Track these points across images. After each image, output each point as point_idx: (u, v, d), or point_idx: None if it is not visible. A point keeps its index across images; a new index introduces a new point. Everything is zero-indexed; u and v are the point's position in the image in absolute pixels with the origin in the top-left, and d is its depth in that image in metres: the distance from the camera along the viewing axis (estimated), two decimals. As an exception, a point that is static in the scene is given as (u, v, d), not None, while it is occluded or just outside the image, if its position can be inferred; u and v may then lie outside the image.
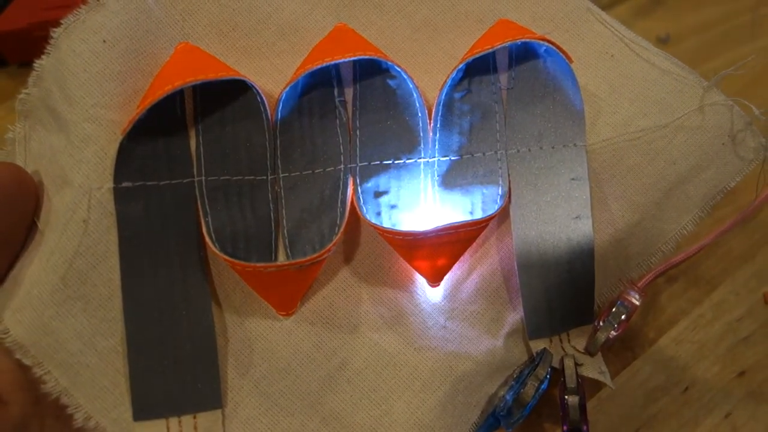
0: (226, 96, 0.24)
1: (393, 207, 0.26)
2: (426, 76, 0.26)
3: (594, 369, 0.28)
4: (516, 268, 0.26)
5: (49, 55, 0.23)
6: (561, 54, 0.25)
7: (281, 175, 0.25)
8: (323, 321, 0.25)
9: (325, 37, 0.25)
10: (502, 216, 0.26)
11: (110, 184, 0.22)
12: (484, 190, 0.26)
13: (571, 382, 0.27)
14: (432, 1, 0.27)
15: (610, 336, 0.28)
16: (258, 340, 0.25)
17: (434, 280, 0.26)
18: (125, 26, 0.23)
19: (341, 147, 0.25)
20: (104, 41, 0.23)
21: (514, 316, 0.27)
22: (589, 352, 0.28)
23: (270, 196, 0.25)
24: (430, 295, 0.26)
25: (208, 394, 0.23)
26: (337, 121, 0.25)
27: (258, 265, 0.23)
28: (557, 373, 0.28)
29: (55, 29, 0.23)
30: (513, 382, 0.27)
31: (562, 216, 0.26)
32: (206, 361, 0.23)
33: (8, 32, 0.41)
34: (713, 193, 0.27)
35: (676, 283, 0.35)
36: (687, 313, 0.35)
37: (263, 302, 0.25)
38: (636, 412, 0.32)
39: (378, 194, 0.25)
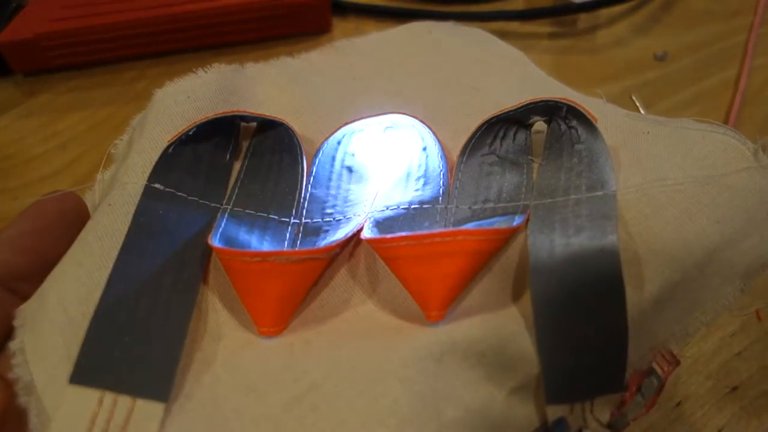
0: (274, 147, 0.27)
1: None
2: (447, 129, 0.28)
3: None
4: (534, 317, 0.23)
5: (145, 109, 0.28)
6: (585, 114, 0.25)
7: (304, 221, 0.25)
8: (302, 342, 0.23)
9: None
10: (522, 257, 0.24)
11: (144, 182, 0.24)
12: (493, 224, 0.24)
13: None
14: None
15: (635, 417, 0.25)
16: (230, 355, 0.23)
17: (436, 308, 0.23)
18: (210, 93, 0.27)
19: (365, 203, 0.26)
20: (188, 97, 0.27)
21: (526, 370, 0.23)
22: (614, 428, 0.25)
23: (288, 236, 0.25)
24: (428, 322, 0.23)
25: (157, 384, 0.21)
26: (367, 192, 0.27)
27: (245, 252, 0.23)
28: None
29: (156, 89, 0.28)
30: None
31: (589, 260, 0.23)
32: (168, 350, 0.22)
33: (15, 42, 0.42)
34: (757, 265, 0.24)
35: (670, 298, 0.36)
36: (681, 328, 0.35)
37: (249, 322, 0.23)
38: (629, 426, 0.32)
39: (388, 227, 0.25)
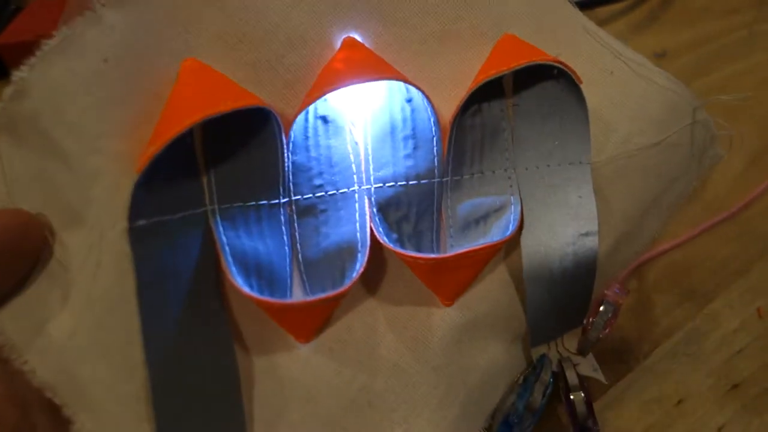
0: (236, 116, 0.22)
1: (409, 228, 0.26)
2: (434, 91, 0.25)
3: (588, 367, 0.29)
4: (525, 282, 0.26)
5: (36, 69, 0.21)
6: (570, 74, 0.25)
7: (293, 198, 0.24)
8: (342, 346, 0.25)
9: (336, 53, 0.24)
10: (510, 245, 0.27)
11: (124, 224, 0.20)
12: (497, 209, 0.26)
13: (572, 380, 0.28)
14: (437, 15, 0.26)
15: (600, 336, 0.30)
16: (278, 370, 0.24)
17: (450, 299, 0.26)
18: (126, 42, 0.21)
19: (353, 168, 0.25)
20: (106, 60, 0.21)
21: (516, 326, 0.28)
22: (581, 352, 0.30)
23: (283, 218, 0.24)
24: (446, 312, 0.26)
25: None
26: (349, 146, 0.25)
27: (285, 303, 0.23)
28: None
29: (47, 41, 0.21)
30: (520, 390, 0.28)
31: (571, 233, 0.26)
32: (231, 402, 0.23)
33: (15, 44, 0.42)
34: (681, 198, 0.29)
35: (670, 296, 0.36)
36: (681, 326, 0.35)
37: (281, 332, 0.24)
38: (630, 424, 0.32)
39: (394, 216, 0.25)
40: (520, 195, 0.26)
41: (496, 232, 0.26)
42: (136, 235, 0.20)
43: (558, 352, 0.30)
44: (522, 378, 0.28)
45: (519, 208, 0.26)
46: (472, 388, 0.26)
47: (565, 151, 0.26)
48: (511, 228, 0.26)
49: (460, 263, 0.25)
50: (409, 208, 0.26)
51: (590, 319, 0.30)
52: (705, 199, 0.39)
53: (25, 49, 0.43)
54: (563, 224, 0.26)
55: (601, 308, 0.30)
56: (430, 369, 0.26)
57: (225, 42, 0.23)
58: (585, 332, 0.30)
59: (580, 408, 0.28)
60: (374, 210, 0.25)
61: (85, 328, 0.21)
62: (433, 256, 0.25)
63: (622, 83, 0.28)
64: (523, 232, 0.26)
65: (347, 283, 0.23)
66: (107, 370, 0.21)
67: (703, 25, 0.48)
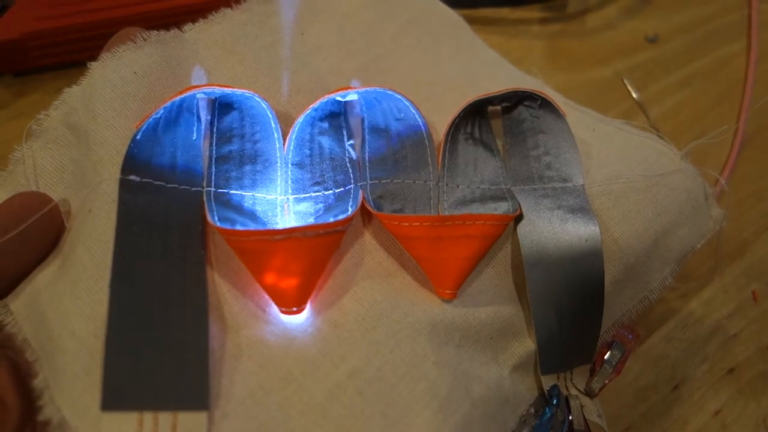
0: (243, 120, 0.26)
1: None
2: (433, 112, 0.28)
3: (593, 412, 0.27)
4: (529, 297, 0.26)
5: (81, 84, 0.25)
6: (554, 106, 0.27)
7: (291, 196, 0.25)
8: (332, 325, 0.23)
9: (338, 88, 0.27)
10: (516, 248, 0.27)
11: (117, 176, 0.22)
12: (495, 209, 0.27)
13: (578, 425, 0.26)
14: (431, 84, 0.30)
15: (608, 382, 0.28)
16: (256, 346, 0.23)
17: (449, 287, 0.25)
18: (156, 65, 0.26)
19: (351, 174, 0.26)
20: (135, 73, 0.25)
21: (520, 351, 0.26)
22: (589, 394, 0.28)
23: (279, 212, 0.25)
24: (446, 309, 0.25)
25: (193, 393, 0.21)
26: (348, 162, 0.27)
27: (267, 230, 0.22)
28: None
29: (92, 63, 0.26)
30: (535, 423, 0.26)
31: (573, 240, 0.26)
32: (195, 356, 0.21)
33: (1, 42, 0.42)
34: (686, 251, 0.29)
35: (665, 281, 0.36)
36: (676, 311, 0.35)
37: (265, 307, 0.23)
38: (626, 410, 0.32)
39: (389, 207, 0.26)
40: (518, 202, 0.27)
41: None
42: (126, 186, 0.23)
43: (566, 387, 0.27)
44: (532, 409, 0.26)
45: (516, 203, 0.26)
46: (477, 402, 0.24)
47: (557, 175, 0.27)
48: (511, 211, 0.26)
49: (458, 231, 0.24)
50: (404, 203, 0.26)
51: (599, 361, 0.28)
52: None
53: (13, 47, 0.43)
54: (563, 231, 0.26)
55: (610, 352, 0.28)
56: (430, 363, 0.23)
57: (241, 84, 0.27)
58: (593, 374, 0.28)
59: None
60: (369, 198, 0.25)
61: (64, 268, 0.22)
62: (426, 215, 0.25)
63: (605, 135, 0.30)
64: (523, 235, 0.26)
65: (334, 220, 0.23)
66: (72, 306, 0.21)
67: (694, 8, 0.48)
